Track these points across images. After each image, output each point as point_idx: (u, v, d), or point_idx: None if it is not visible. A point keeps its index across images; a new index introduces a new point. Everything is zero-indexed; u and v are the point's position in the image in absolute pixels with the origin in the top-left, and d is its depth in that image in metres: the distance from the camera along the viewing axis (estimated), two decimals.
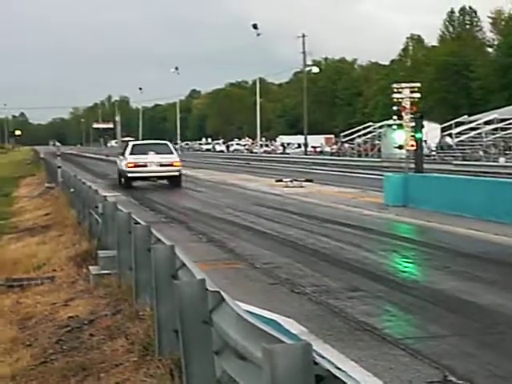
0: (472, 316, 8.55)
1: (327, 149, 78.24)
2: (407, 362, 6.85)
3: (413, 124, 28.06)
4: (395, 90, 30.60)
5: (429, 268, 11.81)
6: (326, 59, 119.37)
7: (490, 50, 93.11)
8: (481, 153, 50.41)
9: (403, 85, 30.95)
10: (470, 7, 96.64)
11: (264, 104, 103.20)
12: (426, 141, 43.81)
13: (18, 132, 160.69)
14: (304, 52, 77.76)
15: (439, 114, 74.14)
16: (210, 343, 5.26)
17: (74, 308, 9.73)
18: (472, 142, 53.89)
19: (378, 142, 63.32)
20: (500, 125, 53.86)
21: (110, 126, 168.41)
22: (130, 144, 32.28)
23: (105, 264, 10.99)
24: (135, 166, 29.31)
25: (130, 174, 29.62)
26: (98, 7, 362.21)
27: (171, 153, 30.42)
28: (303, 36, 77.13)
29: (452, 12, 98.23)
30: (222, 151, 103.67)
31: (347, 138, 70.96)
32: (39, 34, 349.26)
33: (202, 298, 5.39)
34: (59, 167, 31.13)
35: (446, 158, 51.29)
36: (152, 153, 29.84)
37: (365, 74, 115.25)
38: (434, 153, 56.19)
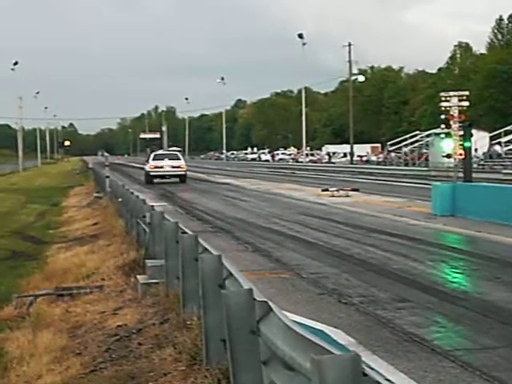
0: None
1: (373, 158, 77.72)
2: (457, 373, 6.73)
3: (461, 132, 27.74)
4: (443, 99, 30.32)
5: (478, 278, 11.62)
6: (372, 68, 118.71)
7: None
8: None
9: (451, 93, 30.67)
10: None
11: (309, 113, 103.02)
12: (476, 149, 43.22)
13: (67, 142, 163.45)
14: (350, 61, 77.48)
15: (488, 123, 73.04)
16: (258, 353, 5.25)
17: (122, 317, 9.82)
18: None
19: (425, 150, 62.58)
20: None
21: (157, 135, 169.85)
22: (152, 154, 43.91)
23: (152, 273, 11.07)
24: (155, 168, 41.02)
25: (151, 173, 41.02)
26: (146, 19, 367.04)
27: (179, 159, 42.73)
28: (349, 45, 76.88)
29: (501, 19, 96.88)
30: (267, 161, 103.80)
31: (394, 147, 70.36)
32: (89, 47, 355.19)
33: (249, 307, 5.40)
34: (107, 177, 31.55)
35: (495, 166, 50.43)
36: (166, 159, 42.03)
37: (411, 82, 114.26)
38: (482, 162, 55.34)
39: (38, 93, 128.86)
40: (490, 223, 17.98)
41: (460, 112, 29.78)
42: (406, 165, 61.98)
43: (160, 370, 7.00)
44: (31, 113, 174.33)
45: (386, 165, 65.03)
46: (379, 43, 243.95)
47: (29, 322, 11.08)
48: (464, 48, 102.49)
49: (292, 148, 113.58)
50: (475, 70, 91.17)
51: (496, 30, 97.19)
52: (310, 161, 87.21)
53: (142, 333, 8.63)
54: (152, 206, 14.89)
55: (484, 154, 56.28)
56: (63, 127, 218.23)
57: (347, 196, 29.14)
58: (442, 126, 41.83)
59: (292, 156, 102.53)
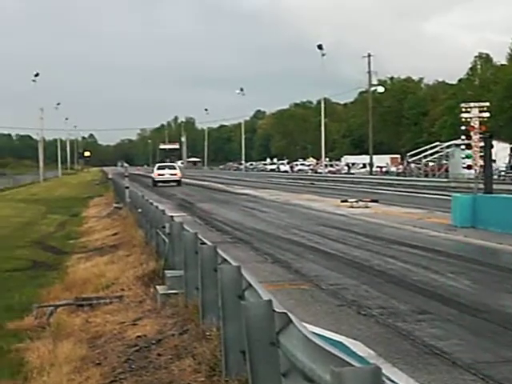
0: None
1: (393, 169, 77.45)
2: None
3: (482, 144, 27.53)
4: (463, 110, 30.13)
5: (499, 291, 11.52)
6: (391, 79, 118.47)
7: None
8: None
9: (472, 104, 30.46)
10: None
11: (329, 124, 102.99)
12: (495, 161, 42.88)
13: (87, 153, 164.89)
14: (369, 72, 77.46)
15: (508, 134, 72.57)
16: (278, 365, 5.24)
17: (141, 327, 9.84)
18: None
19: (445, 161, 62.32)
20: None
21: (176, 146, 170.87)
22: (156, 165, 61.89)
23: (172, 284, 11.09)
24: (158, 175, 56.44)
25: (156, 179, 55.91)
26: (166, 31, 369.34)
27: (175, 169, 59.08)
28: (369, 56, 76.87)
29: None
30: (286, 171, 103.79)
31: (413, 158, 70.09)
32: (108, 58, 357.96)
33: (269, 319, 5.39)
34: (127, 188, 31.69)
35: None
36: (166, 169, 58.34)
37: (431, 93, 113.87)
38: (503, 173, 54.96)
39: (58, 104, 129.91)
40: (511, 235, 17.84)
41: (480, 123, 29.56)
42: (426, 176, 61.72)
43: (179, 380, 7.01)
44: (52, 124, 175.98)
45: (405, 176, 64.79)
46: (398, 54, 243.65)
47: (49, 332, 11.12)
48: (484, 59, 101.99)
49: (311, 159, 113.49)
50: (495, 80, 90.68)
51: None
52: (329, 171, 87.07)
53: (161, 343, 8.64)
54: (171, 216, 14.93)
55: (506, 164, 55.95)
56: (83, 138, 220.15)
57: (367, 207, 29.05)
58: (463, 137, 41.57)
59: (311, 167, 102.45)
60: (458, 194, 24.15)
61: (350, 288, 11.77)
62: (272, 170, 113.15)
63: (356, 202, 30.22)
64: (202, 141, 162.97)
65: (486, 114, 30.00)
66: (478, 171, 27.98)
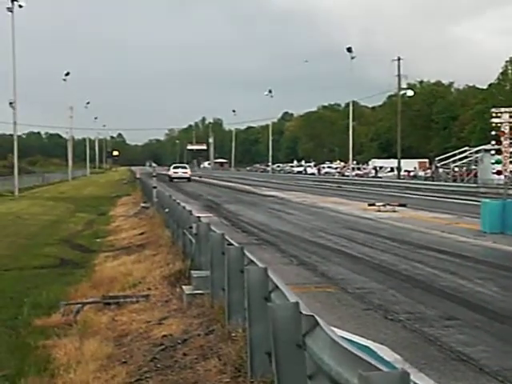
0: None
1: (421, 173, 76.93)
2: None
3: None
4: (494, 115, 29.90)
5: None
6: (421, 82, 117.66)
7: None
8: None
9: (502, 109, 30.20)
10: None
11: (357, 127, 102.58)
12: None
13: (115, 152, 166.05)
14: (399, 75, 77.02)
15: None
16: (304, 367, 5.22)
17: (167, 327, 9.88)
18: None
19: (474, 167, 61.79)
20: None
21: (204, 147, 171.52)
22: (172, 165, 77.11)
23: (198, 284, 11.11)
24: (174, 173, 71.57)
25: (172, 176, 70.62)
26: (196, 33, 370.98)
27: (186, 168, 74.27)
28: (398, 59, 76.43)
29: None
30: (313, 174, 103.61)
31: (442, 163, 69.58)
32: (137, 58, 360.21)
33: (295, 321, 5.37)
34: (154, 187, 31.84)
35: None
36: (180, 168, 73.81)
37: (461, 97, 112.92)
38: None
39: (88, 103, 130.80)
40: None
41: (511, 128, 29.27)
42: (455, 181, 61.23)
43: (205, 381, 7.02)
44: (81, 123, 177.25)
45: (433, 180, 64.33)
46: (428, 58, 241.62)
47: (76, 330, 11.20)
48: None
49: (338, 162, 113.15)
50: None
51: None
52: (357, 175, 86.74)
53: (187, 343, 8.67)
54: (198, 217, 14.97)
55: None
56: (112, 137, 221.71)
57: (394, 211, 28.89)
58: (493, 142, 41.19)
59: (338, 170, 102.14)
60: (487, 200, 23.93)
61: (377, 292, 11.71)
62: (299, 172, 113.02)
63: (383, 205, 30.08)
64: (229, 142, 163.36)
65: None
66: (507, 177, 27.69)
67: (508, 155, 28.21)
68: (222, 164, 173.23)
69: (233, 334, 7.99)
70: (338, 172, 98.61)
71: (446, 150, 79.21)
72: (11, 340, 11.41)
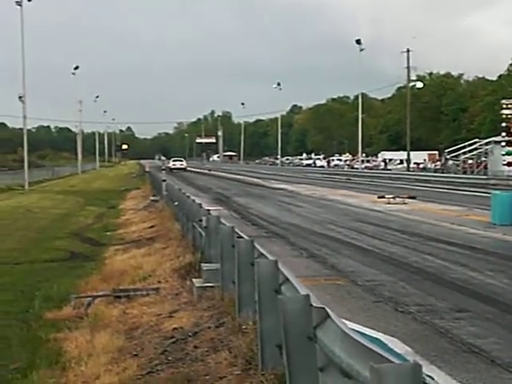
0: None
1: (430, 165, 76.72)
2: None
3: None
4: (504, 106, 29.78)
5: None
6: (430, 74, 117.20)
7: None
8: None
9: None
10: None
11: (366, 119, 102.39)
12: None
13: (124, 146, 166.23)
14: (408, 67, 76.73)
15: None
16: (315, 360, 5.22)
17: (178, 319, 9.90)
18: None
19: (484, 158, 61.56)
20: None
21: (213, 140, 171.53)
22: (172, 159, 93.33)
23: (208, 277, 11.13)
24: (172, 165, 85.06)
25: (171, 167, 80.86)
26: (204, 25, 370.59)
27: (183, 161, 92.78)
28: (408, 51, 76.13)
29: None
30: (322, 166, 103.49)
31: (452, 155, 69.35)
32: (146, 51, 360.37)
33: (306, 313, 5.37)
34: (164, 181, 31.87)
35: None
36: (177, 161, 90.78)
37: (471, 89, 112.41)
38: None
39: (97, 97, 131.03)
40: None
41: None
42: (464, 173, 61.04)
43: (215, 373, 7.03)
44: (91, 116, 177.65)
45: (443, 172, 64.14)
46: (437, 49, 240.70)
47: (87, 323, 11.25)
48: None
49: (347, 154, 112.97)
50: None
51: None
52: (366, 167, 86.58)
53: (197, 336, 8.68)
54: (208, 210, 14.98)
55: None
56: (121, 131, 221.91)
57: (404, 203, 28.83)
58: (503, 133, 41.02)
59: (347, 162, 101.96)
60: (497, 192, 23.83)
61: (387, 284, 11.69)
62: (308, 165, 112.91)
63: (393, 198, 30.02)
64: (238, 135, 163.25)
65: None
66: None
67: None
68: (231, 157, 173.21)
69: (243, 327, 8.00)
70: (348, 164, 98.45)
71: (456, 141, 78.93)
72: (22, 333, 11.46)
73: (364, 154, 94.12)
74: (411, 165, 74.91)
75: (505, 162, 33.27)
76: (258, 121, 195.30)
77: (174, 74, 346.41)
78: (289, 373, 5.40)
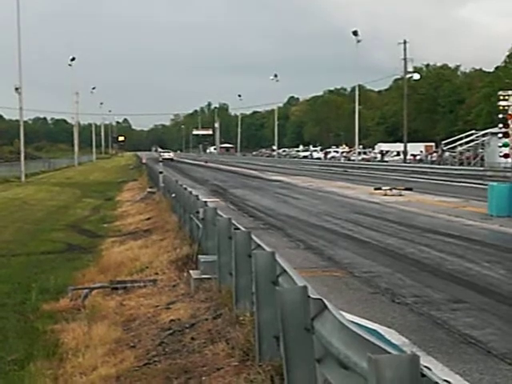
0: None
1: (426, 157, 76.69)
2: None
3: None
4: (501, 98, 29.68)
5: None
6: (427, 66, 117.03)
7: None
8: None
9: (510, 92, 29.98)
10: None
11: (363, 111, 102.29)
12: None
13: (121, 138, 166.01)
14: (405, 59, 76.64)
15: None
16: (312, 351, 5.23)
17: (175, 311, 9.90)
18: None
19: (481, 150, 61.58)
20: None
21: (209, 132, 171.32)
22: (161, 151, 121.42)
23: (205, 268, 11.12)
24: (161, 155, 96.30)
25: (160, 158, 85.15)
26: (199, 17, 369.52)
27: (170, 152, 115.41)
28: (404, 42, 76.06)
29: None
30: (319, 158, 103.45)
31: (448, 147, 69.35)
32: (142, 43, 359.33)
33: (303, 305, 5.37)
34: (161, 173, 31.85)
35: None
36: (166, 153, 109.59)
37: (468, 80, 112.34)
38: None
39: (94, 88, 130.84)
40: None
41: None
42: (461, 164, 61.07)
43: (213, 364, 7.04)
44: (87, 108, 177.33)
45: (439, 164, 64.16)
46: (434, 41, 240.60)
47: (84, 314, 11.24)
48: None
49: (344, 146, 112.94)
50: None
51: None
52: (363, 159, 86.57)
53: (194, 327, 8.69)
54: (205, 201, 14.97)
55: None
56: (118, 122, 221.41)
57: (400, 195, 28.86)
58: (500, 125, 40.92)
59: (344, 154, 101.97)
60: (494, 183, 23.84)
61: (384, 276, 11.71)
62: (305, 156, 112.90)
63: (390, 189, 30.04)
64: (235, 127, 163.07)
65: None
66: None
67: None
68: (227, 149, 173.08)
69: (240, 318, 8.01)
70: (344, 156, 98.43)
71: (453, 133, 78.93)
72: (20, 325, 11.46)
73: (361, 146, 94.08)
74: (408, 156, 74.92)
75: (501, 154, 33.25)
76: (254, 113, 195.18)
77: (171, 65, 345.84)
78: (286, 364, 5.41)
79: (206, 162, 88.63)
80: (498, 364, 6.98)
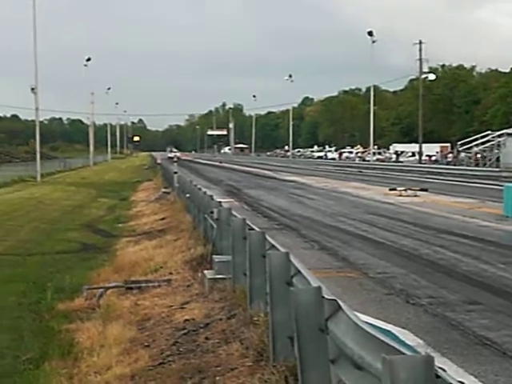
0: None
1: (442, 158, 76.37)
2: None
3: None
4: None
5: None
6: (443, 66, 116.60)
7: None
8: None
9: None
10: None
11: (378, 112, 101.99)
12: None
13: (136, 138, 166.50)
14: (420, 59, 76.41)
15: None
16: (326, 351, 5.22)
17: (189, 311, 9.92)
18: None
19: (496, 151, 61.27)
20: None
21: (224, 132, 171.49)
22: (169, 151, 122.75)
23: (219, 268, 11.14)
24: (169, 155, 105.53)
25: (168, 156, 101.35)
26: (214, 18, 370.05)
27: (176, 152, 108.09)
28: (420, 43, 75.84)
29: None
30: (333, 159, 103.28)
31: (464, 147, 69.04)
32: (157, 43, 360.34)
33: (318, 305, 5.37)
34: (175, 173, 31.90)
35: None
36: (174, 153, 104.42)
37: (484, 81, 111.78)
38: None
39: (109, 89, 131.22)
40: None
41: None
42: (477, 165, 60.78)
43: (227, 364, 7.05)
44: (102, 108, 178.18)
45: (455, 165, 63.87)
46: (450, 41, 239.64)
47: (99, 314, 11.29)
48: None
49: (359, 146, 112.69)
50: None
51: None
52: (377, 159, 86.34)
53: (209, 327, 8.70)
54: (219, 202, 14.98)
55: None
56: (133, 123, 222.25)
57: (415, 196, 28.75)
58: None
59: (359, 154, 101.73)
60: (510, 184, 23.70)
61: (399, 277, 11.67)
62: (319, 157, 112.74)
63: (405, 190, 29.94)
64: (249, 127, 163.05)
65: None
66: None
67: None
68: (242, 149, 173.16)
69: (255, 319, 8.01)
70: (359, 157, 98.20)
71: (468, 134, 78.58)
72: (35, 324, 11.53)
73: (376, 147, 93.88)
74: (423, 157, 74.63)
75: None
76: (269, 113, 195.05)
77: (186, 66, 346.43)
78: (300, 364, 5.41)
79: (221, 162, 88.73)
80: None
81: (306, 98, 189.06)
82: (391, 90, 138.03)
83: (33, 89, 57.02)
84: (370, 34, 79.84)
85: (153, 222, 24.68)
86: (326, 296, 5.27)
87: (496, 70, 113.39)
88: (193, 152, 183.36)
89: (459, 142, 71.69)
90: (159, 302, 11.10)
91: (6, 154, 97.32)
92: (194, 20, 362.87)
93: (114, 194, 42.32)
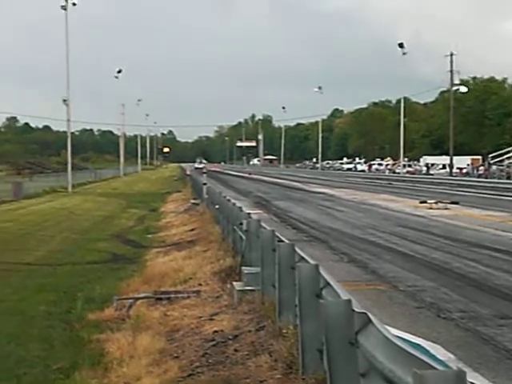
0: None
1: (473, 171, 75.68)
2: None
3: None
4: None
5: None
6: (474, 78, 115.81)
7: None
8: None
9: None
10: None
11: (408, 124, 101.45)
12: None
13: (166, 149, 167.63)
14: (452, 71, 75.92)
15: None
16: (356, 365, 5.19)
17: (218, 322, 9.93)
18: None
19: None
20: None
21: (253, 144, 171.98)
22: (197, 163, 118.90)
23: (248, 280, 11.14)
24: (197, 166, 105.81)
25: (196, 168, 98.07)
26: (245, 28, 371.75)
27: (204, 164, 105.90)
28: (451, 55, 75.40)
29: None
30: (363, 171, 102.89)
31: (495, 160, 68.37)
32: (188, 55, 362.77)
33: (347, 318, 5.34)
34: (205, 184, 32.02)
35: None
36: (202, 164, 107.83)
37: None
38: None
39: (139, 100, 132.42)
40: None
41: None
42: (508, 178, 60.12)
43: (256, 376, 7.04)
44: (133, 120, 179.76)
45: (486, 177, 63.24)
46: (483, 53, 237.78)
47: (129, 324, 11.34)
48: None
49: (388, 158, 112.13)
50: None
51: None
52: (408, 172, 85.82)
53: (238, 339, 8.70)
54: (248, 213, 15.00)
55: None
56: (163, 134, 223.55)
57: (446, 209, 28.50)
58: None
59: (389, 167, 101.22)
60: None
61: (429, 290, 11.57)
62: (349, 169, 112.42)
63: (435, 203, 29.69)
64: (278, 139, 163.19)
65: None
66: None
67: None
68: (271, 161, 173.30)
69: (284, 331, 7.99)
70: (389, 169, 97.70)
71: (500, 146, 77.81)
72: (65, 334, 11.61)
73: (406, 159, 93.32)
74: (454, 170, 74.04)
75: None
76: (298, 124, 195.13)
77: (215, 78, 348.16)
78: (330, 378, 5.38)
79: (250, 173, 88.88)
80: None
81: (336, 109, 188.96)
82: (421, 101, 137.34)
83: (65, 100, 57.73)
84: (401, 45, 79.62)
85: (182, 232, 24.77)
86: (355, 309, 5.24)
87: None
88: (222, 163, 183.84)
89: (490, 155, 71.02)
90: (188, 313, 11.12)
91: (38, 164, 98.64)
92: (225, 31, 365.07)
93: (144, 204, 42.57)
